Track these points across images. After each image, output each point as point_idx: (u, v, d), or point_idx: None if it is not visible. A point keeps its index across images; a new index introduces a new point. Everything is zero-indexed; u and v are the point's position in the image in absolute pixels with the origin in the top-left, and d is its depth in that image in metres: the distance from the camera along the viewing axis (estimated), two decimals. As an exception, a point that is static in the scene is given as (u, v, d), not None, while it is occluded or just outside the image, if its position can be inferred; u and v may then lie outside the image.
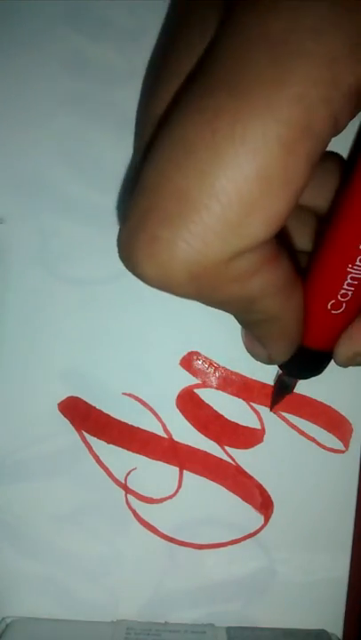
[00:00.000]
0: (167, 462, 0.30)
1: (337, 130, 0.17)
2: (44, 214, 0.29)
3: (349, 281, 0.20)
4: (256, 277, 0.18)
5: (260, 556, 0.30)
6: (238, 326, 0.24)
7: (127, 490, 0.30)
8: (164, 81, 0.20)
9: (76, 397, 0.30)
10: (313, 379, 0.30)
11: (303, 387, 0.30)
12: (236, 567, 0.31)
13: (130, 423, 0.30)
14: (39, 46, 0.28)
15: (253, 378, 0.30)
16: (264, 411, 0.30)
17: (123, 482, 0.30)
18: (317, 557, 0.30)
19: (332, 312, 0.21)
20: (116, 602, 0.30)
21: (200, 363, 0.30)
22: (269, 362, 0.24)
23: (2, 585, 0.30)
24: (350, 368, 0.30)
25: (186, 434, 0.30)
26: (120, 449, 0.30)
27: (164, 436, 0.30)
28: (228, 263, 0.17)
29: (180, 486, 0.30)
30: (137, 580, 0.30)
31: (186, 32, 0.19)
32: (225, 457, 0.30)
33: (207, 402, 0.30)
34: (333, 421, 0.30)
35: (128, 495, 0.30)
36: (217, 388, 0.30)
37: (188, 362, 0.30)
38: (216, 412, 0.30)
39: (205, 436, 0.30)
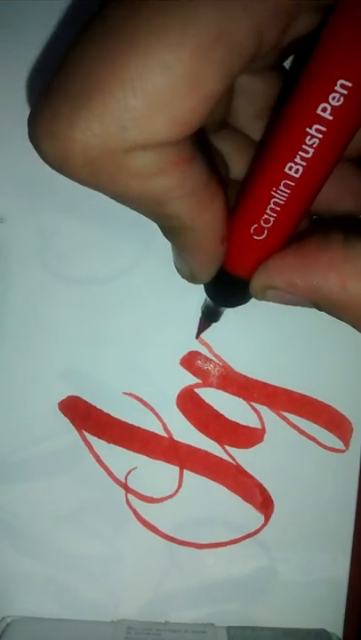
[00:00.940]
0: (167, 462, 0.30)
1: (261, 48, 0.16)
2: (43, 214, 0.29)
3: (272, 206, 0.19)
4: (160, 177, 0.18)
5: (261, 556, 0.30)
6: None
7: (127, 489, 0.30)
8: None
9: (77, 397, 0.30)
10: (311, 379, 0.30)
11: (303, 386, 0.30)
12: (237, 567, 0.31)
13: (130, 422, 0.30)
14: (39, 46, 0.28)
15: (254, 377, 0.30)
16: (264, 410, 0.30)
17: (123, 481, 0.30)
18: (318, 557, 0.30)
19: (255, 237, 0.20)
20: (117, 601, 0.31)
21: (200, 362, 0.30)
22: (192, 279, 0.23)
23: (2, 584, 0.30)
24: (351, 367, 0.30)
25: (186, 433, 0.30)
26: (120, 448, 0.30)
27: (165, 435, 0.30)
28: (127, 154, 0.17)
29: (180, 486, 0.30)
30: (137, 579, 0.30)
31: None
32: (225, 456, 0.30)
33: (207, 401, 0.30)
34: (334, 421, 0.30)
35: (128, 495, 0.30)
36: (217, 388, 0.30)
37: (188, 361, 0.30)
38: (216, 411, 0.30)
39: (206, 435, 0.30)
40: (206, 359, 0.30)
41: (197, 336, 0.29)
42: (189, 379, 0.30)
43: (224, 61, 0.16)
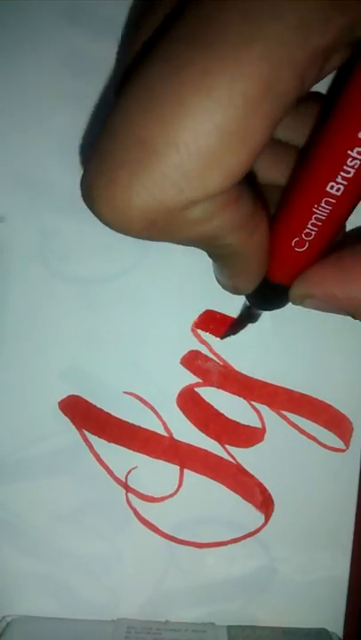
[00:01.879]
0: (168, 461, 0.30)
1: (303, 90, 0.17)
2: (44, 213, 0.29)
3: (314, 221, 0.20)
4: (213, 221, 0.18)
5: (261, 555, 0.30)
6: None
7: (128, 488, 0.30)
8: (139, 29, 0.20)
9: (77, 396, 0.30)
10: (312, 379, 0.30)
11: (304, 385, 0.30)
12: (237, 566, 0.31)
13: (130, 422, 0.30)
14: (40, 45, 0.28)
15: (254, 377, 0.30)
16: (265, 410, 0.30)
17: (123, 480, 0.30)
18: (318, 556, 0.30)
19: (296, 249, 0.22)
20: (117, 600, 0.31)
21: (201, 361, 0.30)
22: (235, 292, 0.24)
23: (2, 584, 0.31)
24: (351, 367, 0.30)
25: (186, 432, 0.30)
26: (121, 447, 0.30)
27: (165, 434, 0.30)
28: (183, 211, 0.18)
29: (180, 485, 0.30)
30: (137, 578, 0.30)
31: None
32: (225, 456, 0.30)
33: (208, 400, 0.30)
34: (334, 420, 0.30)
35: (129, 494, 0.30)
36: (217, 387, 0.30)
37: (188, 360, 0.30)
38: (217, 410, 0.30)
39: (206, 434, 0.30)
40: (206, 358, 0.30)
41: (226, 335, 0.29)
42: (190, 378, 0.30)
43: (271, 111, 0.17)
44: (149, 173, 0.17)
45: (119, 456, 0.30)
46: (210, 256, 0.22)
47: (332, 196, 0.20)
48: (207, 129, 0.16)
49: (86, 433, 0.30)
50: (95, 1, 0.28)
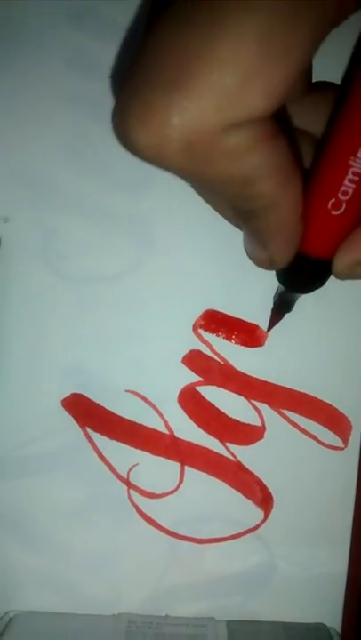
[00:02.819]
0: (169, 458, 0.30)
1: (346, 10, 0.16)
2: (47, 213, 0.29)
3: (351, 176, 0.19)
4: (252, 155, 0.18)
5: (261, 551, 0.31)
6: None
7: (129, 485, 0.30)
8: None
9: (80, 394, 0.30)
10: (311, 378, 0.30)
11: (303, 385, 0.30)
12: (237, 562, 0.31)
13: (132, 419, 0.30)
14: (42, 45, 0.28)
15: (254, 376, 0.30)
16: (265, 408, 0.30)
17: (125, 477, 0.30)
18: (317, 552, 0.31)
19: (333, 212, 0.20)
20: (118, 595, 0.31)
21: (202, 360, 0.30)
22: (270, 265, 0.22)
23: (5, 579, 0.31)
24: (350, 366, 0.30)
25: (187, 430, 0.30)
26: (123, 445, 0.30)
27: (166, 432, 0.30)
28: (223, 134, 0.17)
29: (181, 482, 0.30)
30: (138, 573, 0.31)
31: None
32: (226, 453, 0.30)
33: (209, 399, 0.30)
34: (333, 419, 0.30)
35: (130, 490, 0.30)
36: (218, 386, 0.30)
37: (190, 359, 0.30)
38: (217, 409, 0.30)
39: (207, 432, 0.30)
40: (208, 357, 0.30)
41: (269, 329, 0.28)
42: (191, 377, 0.30)
43: (311, 26, 0.16)
44: (188, 92, 0.16)
45: (121, 453, 0.30)
46: (242, 218, 0.21)
47: None
48: (247, 40, 0.16)
49: (89, 430, 0.30)
50: (98, 1, 0.28)
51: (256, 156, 0.18)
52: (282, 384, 0.30)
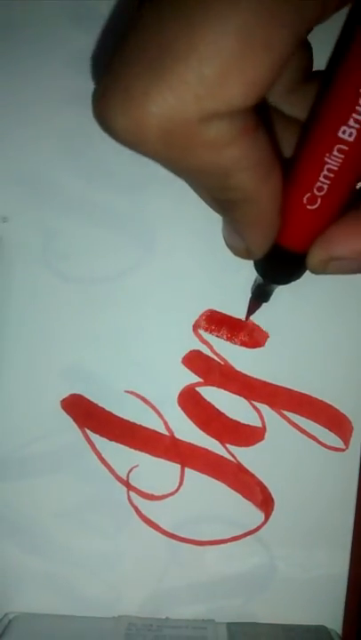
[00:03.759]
0: (169, 459, 0.30)
1: (326, 9, 0.16)
2: (47, 213, 0.29)
3: (326, 173, 0.19)
4: (230, 147, 0.18)
5: (261, 553, 0.31)
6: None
7: (129, 487, 0.30)
8: None
9: (79, 395, 0.30)
10: (312, 379, 0.30)
11: (304, 385, 0.30)
12: (237, 564, 0.31)
13: (132, 421, 0.30)
14: (42, 45, 0.28)
15: (255, 376, 0.30)
16: (265, 409, 0.30)
17: (125, 479, 0.30)
18: (317, 554, 0.31)
19: (308, 207, 0.20)
20: (118, 597, 0.31)
21: (202, 361, 0.30)
22: (247, 255, 0.23)
23: (5, 581, 0.31)
24: (351, 367, 0.30)
25: (187, 431, 0.30)
26: (122, 446, 0.30)
27: (166, 433, 0.30)
28: (202, 125, 0.17)
29: (181, 483, 0.30)
30: (138, 575, 0.31)
31: None
32: (226, 454, 0.30)
33: (209, 400, 0.30)
34: (334, 420, 0.30)
35: (130, 492, 0.30)
36: (218, 387, 0.30)
37: (189, 360, 0.30)
38: (217, 410, 0.30)
39: (207, 433, 0.30)
40: (208, 358, 0.30)
41: (247, 317, 0.29)
42: (191, 377, 0.30)
43: (293, 22, 0.16)
44: (168, 80, 0.16)
45: (121, 454, 0.30)
46: (221, 208, 0.21)
47: (345, 143, 0.18)
48: (230, 31, 0.16)
49: (88, 432, 0.30)
50: (98, 1, 0.28)
51: (235, 148, 0.18)
52: (282, 385, 0.30)
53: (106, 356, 0.30)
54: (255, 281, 0.27)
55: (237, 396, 0.30)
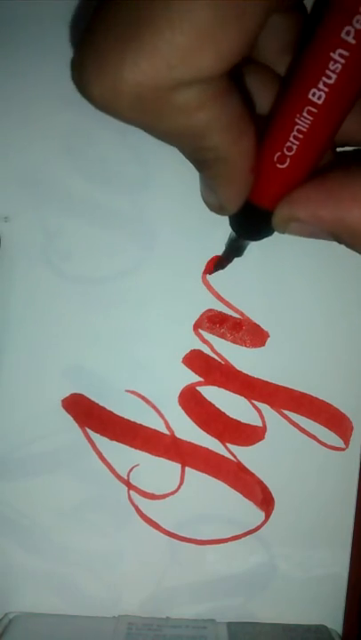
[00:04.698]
0: (169, 459, 0.30)
1: None
2: (48, 213, 0.29)
3: (295, 133, 0.20)
4: (203, 111, 0.18)
5: (261, 552, 0.31)
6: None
7: (130, 486, 0.30)
8: None
9: (80, 394, 0.30)
10: (312, 378, 0.30)
11: (304, 385, 0.30)
12: (237, 563, 0.31)
13: (132, 420, 0.30)
14: (42, 45, 0.28)
15: (255, 376, 0.30)
16: (265, 408, 0.30)
17: (125, 478, 0.30)
18: (318, 553, 0.31)
19: (278, 166, 0.21)
20: (118, 597, 0.31)
21: (203, 360, 0.30)
22: (220, 211, 0.23)
23: (5, 581, 0.31)
24: (351, 366, 0.30)
25: (188, 431, 0.30)
26: (123, 445, 0.30)
27: (167, 432, 0.30)
28: (175, 91, 0.17)
29: (182, 482, 0.30)
30: (139, 575, 0.31)
31: None
32: (227, 454, 0.30)
33: (209, 399, 0.30)
34: (334, 419, 0.30)
35: (131, 491, 0.30)
36: (219, 386, 0.30)
37: (190, 359, 0.30)
38: (218, 409, 0.30)
39: (207, 433, 0.30)
40: (208, 357, 0.30)
41: (213, 272, 0.29)
42: (191, 377, 0.30)
43: None
44: (141, 47, 0.17)
45: (121, 454, 0.30)
46: (196, 166, 0.22)
47: (314, 105, 0.19)
48: (203, 2, 0.16)
49: (89, 431, 0.30)
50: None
51: (205, 112, 0.18)
52: (283, 384, 0.30)
53: (106, 356, 0.30)
54: (229, 236, 0.27)
55: (238, 396, 0.30)
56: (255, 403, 0.30)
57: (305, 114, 0.19)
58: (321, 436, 0.30)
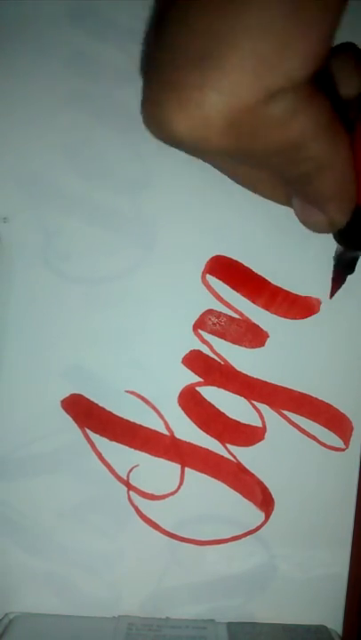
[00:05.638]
0: (169, 459, 0.30)
1: None
2: (47, 213, 0.29)
3: None
4: (298, 118, 0.17)
5: (261, 553, 0.31)
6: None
7: (129, 486, 0.30)
8: None
9: (79, 395, 0.30)
10: (312, 378, 0.30)
11: (304, 385, 0.30)
12: (237, 563, 0.31)
13: (132, 420, 0.30)
14: (43, 46, 0.28)
15: (255, 376, 0.30)
16: (265, 409, 0.30)
17: (125, 478, 0.30)
18: (317, 554, 0.31)
19: None
20: (118, 597, 0.31)
21: (202, 361, 0.30)
22: (330, 227, 0.22)
23: (5, 581, 0.31)
24: (351, 367, 0.30)
25: (188, 431, 0.30)
26: (122, 446, 0.30)
27: (166, 433, 0.30)
28: (266, 104, 0.16)
29: (181, 483, 0.30)
30: (139, 575, 0.31)
31: None
32: (226, 454, 0.30)
33: (209, 400, 0.30)
34: (334, 420, 0.30)
35: (130, 492, 0.30)
36: (219, 386, 0.30)
37: (190, 360, 0.30)
38: (218, 409, 0.30)
39: (207, 433, 0.30)
40: (208, 358, 0.30)
41: (332, 294, 0.27)
42: (191, 377, 0.30)
43: None
44: (222, 64, 0.15)
45: (121, 454, 0.30)
46: (296, 185, 0.21)
47: None
48: (279, 5, 0.15)
49: (88, 431, 0.30)
50: (98, 1, 0.28)
51: (302, 119, 0.17)
52: (282, 384, 0.30)
53: (106, 356, 0.30)
54: (336, 252, 0.25)
55: (237, 396, 0.30)
56: (255, 403, 0.30)
57: None
58: (321, 436, 0.30)
